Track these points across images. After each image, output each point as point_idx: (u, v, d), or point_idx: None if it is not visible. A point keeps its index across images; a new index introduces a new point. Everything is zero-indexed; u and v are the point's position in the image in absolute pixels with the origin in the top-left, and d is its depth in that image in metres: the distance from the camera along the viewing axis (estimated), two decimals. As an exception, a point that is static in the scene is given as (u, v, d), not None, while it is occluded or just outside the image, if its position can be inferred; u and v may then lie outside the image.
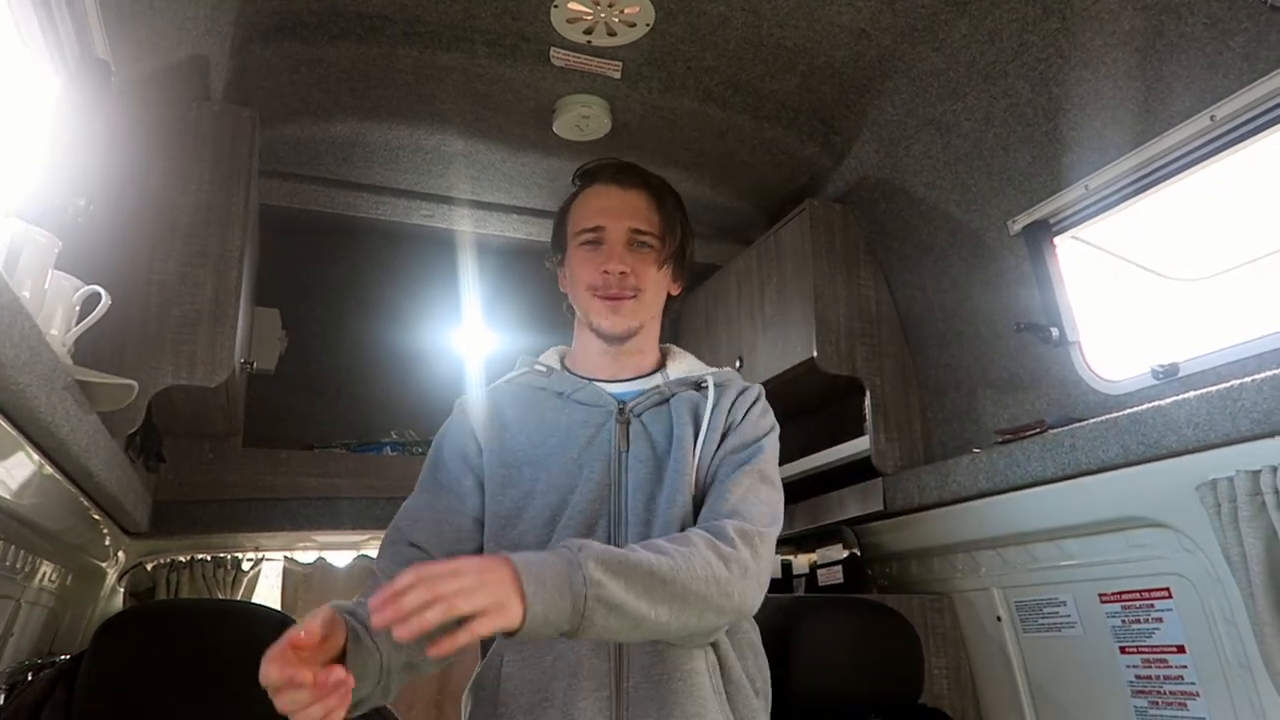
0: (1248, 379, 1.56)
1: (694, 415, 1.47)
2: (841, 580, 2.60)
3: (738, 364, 2.85)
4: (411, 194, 2.75)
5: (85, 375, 1.33)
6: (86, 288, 1.34)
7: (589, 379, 1.49)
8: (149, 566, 2.64)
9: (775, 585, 2.89)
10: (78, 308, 1.34)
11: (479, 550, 1.40)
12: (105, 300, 1.34)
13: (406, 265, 3.04)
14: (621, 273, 1.45)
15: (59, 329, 1.30)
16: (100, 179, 1.66)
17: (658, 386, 1.49)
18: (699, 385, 1.50)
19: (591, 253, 1.47)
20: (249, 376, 2.62)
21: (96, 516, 1.94)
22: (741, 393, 1.52)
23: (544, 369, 1.53)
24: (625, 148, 2.54)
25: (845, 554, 2.61)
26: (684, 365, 1.56)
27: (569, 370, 1.53)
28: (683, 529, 1.34)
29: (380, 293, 3.03)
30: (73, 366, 1.33)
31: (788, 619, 2.05)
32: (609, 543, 1.33)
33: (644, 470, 1.41)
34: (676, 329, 3.31)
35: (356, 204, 2.72)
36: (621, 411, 1.46)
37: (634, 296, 1.46)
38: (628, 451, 1.43)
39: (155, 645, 1.55)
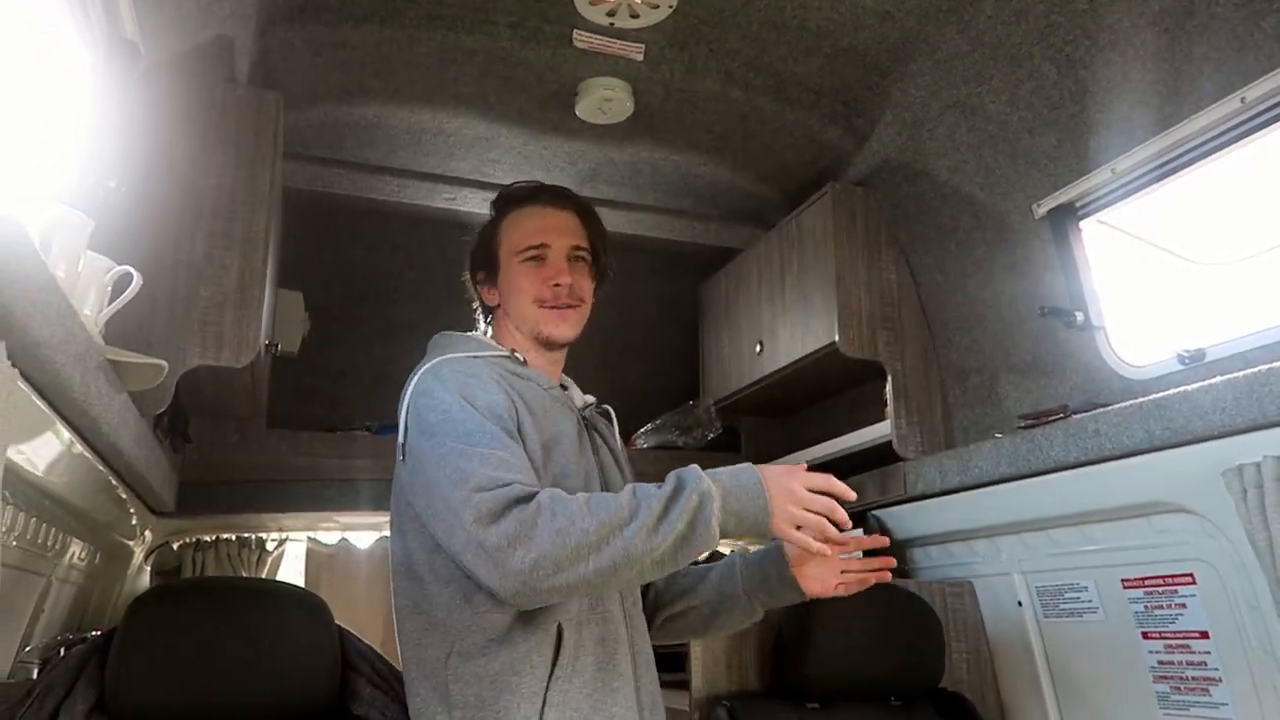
0: (1276, 364, 1.54)
1: (612, 435, 1.69)
2: (861, 565, 2.60)
3: (758, 349, 2.85)
4: (434, 177, 2.75)
5: (116, 355, 1.35)
6: (118, 268, 1.35)
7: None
8: (175, 546, 2.68)
9: (796, 570, 2.91)
10: (109, 288, 1.35)
11: None
12: (137, 280, 1.35)
13: (428, 249, 3.04)
14: (570, 285, 1.58)
15: (91, 309, 1.31)
16: (129, 161, 1.67)
17: (593, 403, 1.68)
18: (597, 406, 1.70)
19: (536, 268, 1.59)
20: (273, 358, 2.64)
21: (124, 495, 1.96)
22: None
23: (521, 357, 1.58)
24: (647, 131, 2.54)
25: (866, 539, 2.60)
26: (570, 380, 1.72)
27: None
28: None
29: (402, 276, 3.05)
30: (104, 346, 1.35)
31: (808, 603, 2.05)
32: None
33: (615, 476, 1.61)
34: (696, 313, 3.31)
35: (379, 187, 2.73)
36: (584, 420, 1.61)
37: (577, 306, 1.61)
38: (596, 455, 1.59)
39: (187, 621, 1.56)
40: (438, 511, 1.33)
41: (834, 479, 1.34)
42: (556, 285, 1.58)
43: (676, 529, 1.25)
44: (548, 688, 1.35)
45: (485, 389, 1.42)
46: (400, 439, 1.46)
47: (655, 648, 1.62)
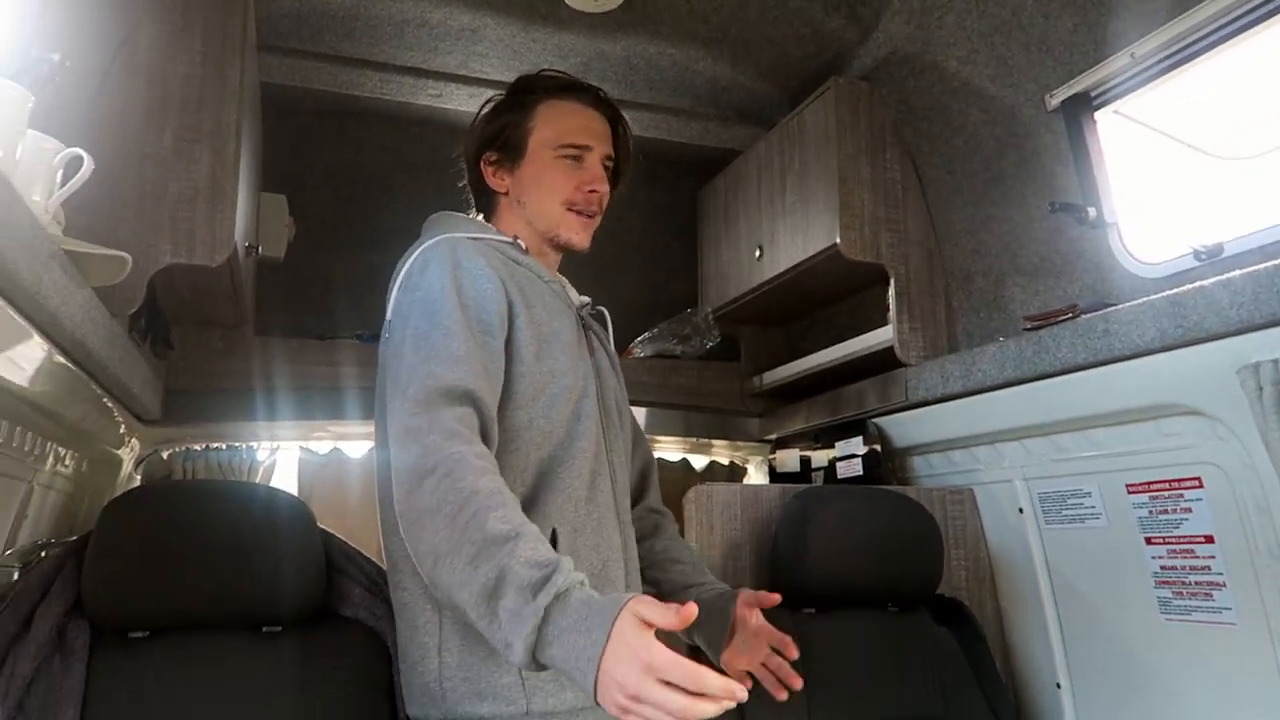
0: (1299, 255, 1.47)
1: (607, 338, 1.67)
2: (860, 473, 2.57)
3: (758, 254, 2.76)
4: (418, 71, 2.62)
5: (72, 245, 1.27)
6: (68, 150, 1.26)
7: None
8: (164, 455, 2.64)
9: (793, 479, 2.88)
10: (60, 172, 1.27)
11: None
12: (88, 164, 1.26)
13: (416, 152, 2.94)
14: (602, 194, 1.57)
15: (40, 194, 1.23)
16: (82, 39, 1.58)
17: (588, 303, 1.64)
18: (592, 308, 1.67)
19: (573, 168, 1.54)
20: (258, 264, 2.56)
21: (108, 403, 1.91)
22: None
23: (523, 244, 1.55)
24: (640, 21, 2.41)
25: (866, 449, 2.56)
26: (565, 280, 1.67)
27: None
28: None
29: (390, 179, 2.94)
30: (59, 236, 1.27)
31: (804, 508, 2.02)
32: (601, 437, 1.49)
33: (611, 380, 1.60)
34: (695, 220, 3.21)
35: (361, 82, 2.60)
36: (581, 320, 1.59)
37: (598, 215, 1.59)
38: (593, 356, 1.56)
39: (162, 522, 1.52)
40: (397, 378, 1.30)
41: (704, 673, 1.00)
42: (592, 191, 1.54)
43: (491, 609, 1.08)
44: None
45: (479, 284, 1.37)
46: (388, 315, 1.42)
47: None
